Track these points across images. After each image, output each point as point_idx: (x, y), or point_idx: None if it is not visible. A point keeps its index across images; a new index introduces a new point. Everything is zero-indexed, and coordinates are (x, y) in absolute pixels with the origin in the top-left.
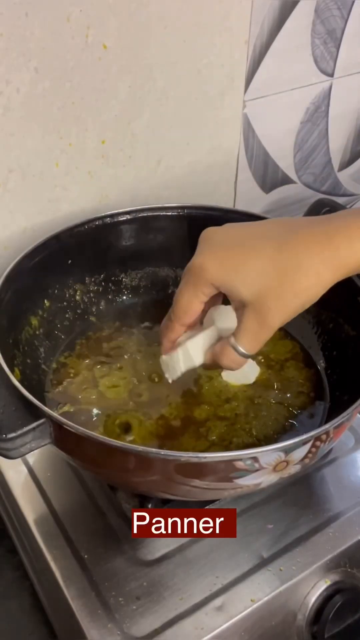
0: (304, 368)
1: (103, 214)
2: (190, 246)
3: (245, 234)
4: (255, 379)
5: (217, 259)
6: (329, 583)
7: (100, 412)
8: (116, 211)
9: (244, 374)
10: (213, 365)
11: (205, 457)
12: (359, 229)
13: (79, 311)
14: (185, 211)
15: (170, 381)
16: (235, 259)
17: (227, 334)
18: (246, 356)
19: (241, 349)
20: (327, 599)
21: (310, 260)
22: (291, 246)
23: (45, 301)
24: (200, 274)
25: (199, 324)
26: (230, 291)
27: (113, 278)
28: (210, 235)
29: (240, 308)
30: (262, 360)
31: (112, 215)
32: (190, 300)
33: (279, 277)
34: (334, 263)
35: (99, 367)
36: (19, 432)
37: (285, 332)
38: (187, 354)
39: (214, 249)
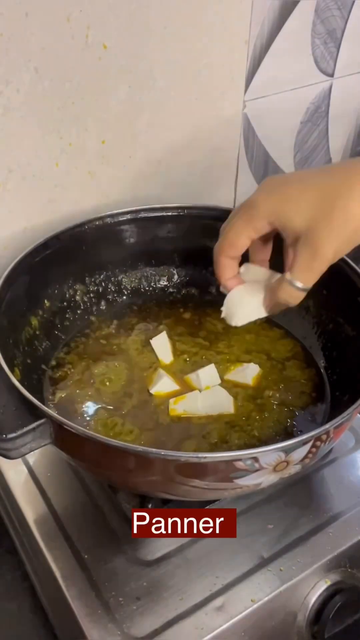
0: (305, 368)
1: (103, 214)
2: (190, 246)
3: (300, 175)
4: (253, 379)
5: (270, 195)
6: (329, 583)
7: (97, 409)
8: (116, 211)
9: (244, 373)
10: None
11: (205, 457)
12: None
13: (79, 311)
14: (185, 211)
15: (234, 324)
16: (287, 193)
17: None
18: (302, 289)
19: (297, 283)
20: (327, 599)
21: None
22: (342, 174)
23: (46, 301)
24: (253, 209)
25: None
26: (283, 223)
27: (113, 278)
28: (267, 181)
29: (294, 243)
30: (264, 358)
31: (112, 215)
32: (239, 234)
33: (330, 202)
34: None
35: (97, 365)
36: (19, 432)
37: (285, 331)
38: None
39: (268, 189)
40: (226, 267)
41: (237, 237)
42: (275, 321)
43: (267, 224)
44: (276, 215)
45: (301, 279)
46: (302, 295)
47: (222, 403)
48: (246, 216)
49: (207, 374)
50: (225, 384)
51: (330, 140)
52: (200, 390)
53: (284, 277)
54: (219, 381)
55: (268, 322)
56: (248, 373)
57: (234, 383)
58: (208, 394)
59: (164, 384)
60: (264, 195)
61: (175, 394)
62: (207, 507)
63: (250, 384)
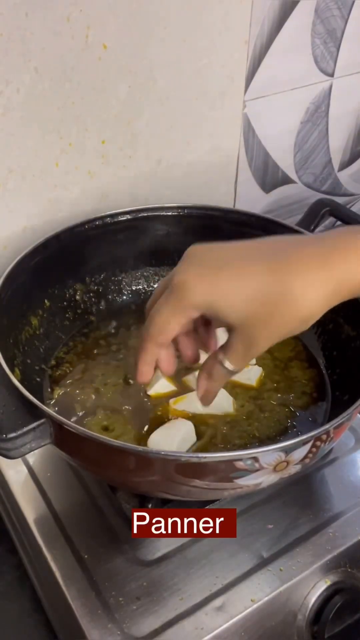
0: (307, 368)
1: (103, 214)
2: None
3: (234, 254)
4: (257, 381)
5: (203, 280)
6: (329, 583)
7: (97, 409)
8: (116, 211)
9: (248, 375)
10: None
11: (205, 457)
12: (356, 247)
13: (79, 311)
14: (185, 211)
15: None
16: (222, 282)
17: None
18: (233, 372)
19: (230, 367)
20: (327, 599)
21: (302, 286)
22: (282, 268)
23: (46, 301)
24: (183, 296)
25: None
26: (217, 316)
27: (113, 278)
28: (197, 252)
29: (228, 330)
30: (269, 358)
31: (112, 215)
32: (168, 321)
33: (269, 304)
34: (329, 288)
35: (96, 365)
36: (19, 432)
37: None
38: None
39: (199, 269)
40: (149, 354)
41: (167, 325)
42: None
43: (198, 312)
44: (208, 307)
45: (233, 365)
46: (232, 376)
47: (221, 403)
48: (175, 301)
49: None
50: (228, 384)
51: (330, 140)
52: None
53: (217, 358)
54: None
55: None
56: (252, 375)
57: (237, 384)
58: None
59: (161, 385)
60: (193, 274)
61: (173, 395)
62: (207, 507)
63: (254, 386)
